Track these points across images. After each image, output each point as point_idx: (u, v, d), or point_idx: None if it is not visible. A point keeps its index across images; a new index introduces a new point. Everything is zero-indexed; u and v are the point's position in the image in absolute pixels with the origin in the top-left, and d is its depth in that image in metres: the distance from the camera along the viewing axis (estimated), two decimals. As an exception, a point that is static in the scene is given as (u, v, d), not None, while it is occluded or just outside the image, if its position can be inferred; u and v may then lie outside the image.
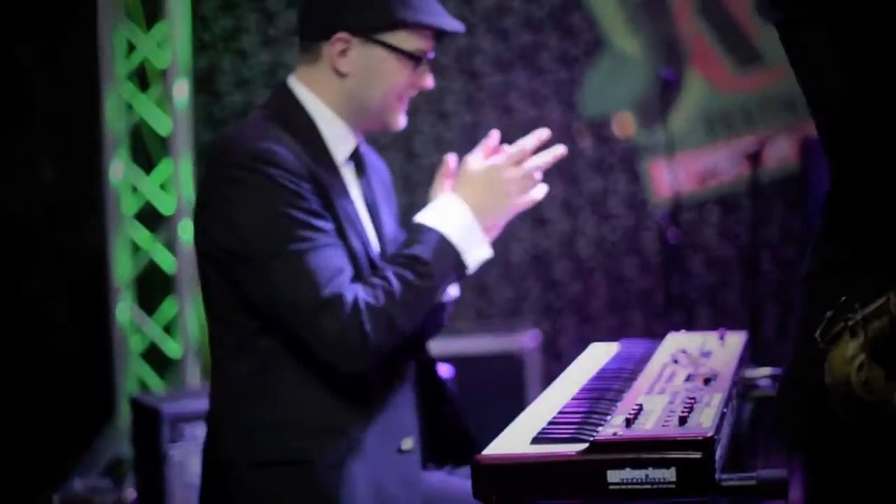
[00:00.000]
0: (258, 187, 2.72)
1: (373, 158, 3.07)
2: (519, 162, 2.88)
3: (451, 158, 2.98)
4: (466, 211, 2.82)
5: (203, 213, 2.84)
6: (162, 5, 5.68)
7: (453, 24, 2.88)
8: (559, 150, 2.94)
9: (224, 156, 2.83)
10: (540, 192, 2.93)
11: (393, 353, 2.78)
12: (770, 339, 6.54)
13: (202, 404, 4.29)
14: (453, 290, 2.97)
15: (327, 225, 2.74)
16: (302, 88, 2.87)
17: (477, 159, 2.88)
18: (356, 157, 2.93)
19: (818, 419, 2.10)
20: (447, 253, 2.79)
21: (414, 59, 2.83)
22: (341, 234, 2.78)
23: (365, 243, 2.84)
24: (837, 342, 2.01)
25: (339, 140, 2.87)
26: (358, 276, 2.77)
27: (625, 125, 6.83)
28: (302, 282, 2.68)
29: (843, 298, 2.01)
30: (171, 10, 5.64)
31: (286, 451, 2.78)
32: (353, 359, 2.70)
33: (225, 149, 2.86)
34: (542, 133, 2.92)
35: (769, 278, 6.67)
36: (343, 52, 2.83)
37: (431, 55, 2.89)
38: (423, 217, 2.82)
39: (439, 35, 2.89)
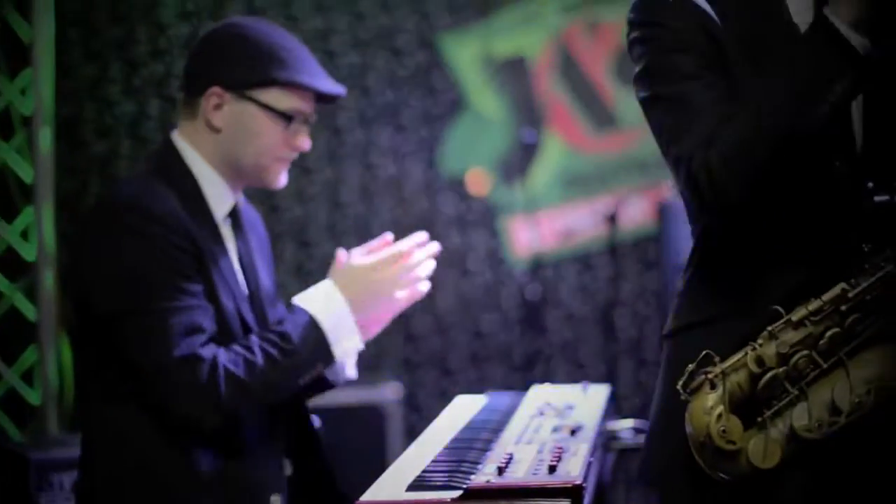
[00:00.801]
0: (131, 244, 2.74)
1: (251, 215, 3.11)
2: (399, 260, 2.93)
3: (341, 253, 3.01)
4: (342, 302, 2.85)
5: (76, 265, 2.86)
6: (27, 52, 5.65)
7: (331, 87, 2.91)
8: (435, 246, 2.98)
9: (103, 210, 2.87)
10: (422, 288, 2.97)
11: (252, 413, 2.81)
12: (626, 393, 6.67)
13: (68, 452, 4.27)
14: (351, 371, 3.02)
15: (195, 286, 2.76)
16: (183, 144, 2.90)
17: (360, 256, 2.93)
18: (234, 215, 2.97)
19: (681, 468, 2.21)
20: (316, 338, 2.82)
21: (285, 118, 2.86)
22: (213, 294, 2.80)
23: (238, 303, 2.87)
24: (698, 393, 2.13)
25: (219, 197, 2.90)
26: (228, 337, 2.80)
27: (479, 183, 6.93)
28: (159, 339, 2.70)
29: (705, 352, 2.14)
30: (36, 57, 5.61)
31: (155, 502, 2.80)
32: (203, 418, 2.73)
33: (105, 203, 2.90)
34: (421, 235, 2.96)
35: (625, 335, 6.80)
36: (217, 107, 2.86)
37: (311, 117, 2.92)
38: (300, 299, 2.86)
39: (322, 98, 2.93)
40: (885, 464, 2.22)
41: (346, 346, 2.86)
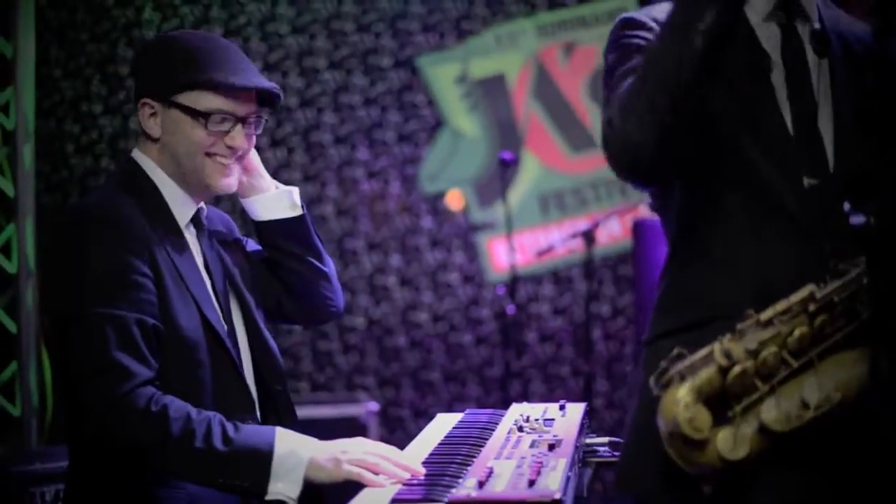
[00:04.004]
0: (87, 251, 2.78)
1: (214, 217, 3.15)
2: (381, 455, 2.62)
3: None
4: (306, 453, 2.65)
5: (42, 275, 2.90)
6: (8, 69, 5.68)
7: (246, 80, 2.94)
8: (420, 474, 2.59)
9: (64, 220, 2.91)
10: (374, 480, 2.58)
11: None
12: (601, 409, 6.73)
13: (49, 465, 4.30)
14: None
15: (146, 296, 2.77)
16: (142, 156, 2.97)
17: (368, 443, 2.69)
18: (197, 222, 3.01)
19: (657, 473, 2.27)
20: (260, 460, 2.64)
21: (204, 116, 2.91)
22: (167, 306, 2.80)
23: (202, 307, 2.88)
24: (669, 388, 2.18)
25: (180, 204, 2.95)
26: (188, 345, 2.80)
27: (457, 201, 6.98)
28: (95, 344, 2.69)
29: (677, 350, 2.20)
30: (18, 74, 5.64)
31: (137, 499, 2.81)
32: (112, 431, 2.67)
33: (67, 213, 2.95)
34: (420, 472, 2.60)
35: (600, 351, 6.85)
36: (152, 116, 2.93)
37: (244, 115, 2.94)
38: (281, 434, 2.69)
39: (266, 100, 2.99)
40: (853, 459, 2.29)
41: (281, 489, 2.65)
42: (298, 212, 3.22)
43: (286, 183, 3.29)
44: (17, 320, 5.59)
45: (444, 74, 7.03)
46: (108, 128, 6.79)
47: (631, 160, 2.34)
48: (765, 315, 2.22)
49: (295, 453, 2.62)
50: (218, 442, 2.63)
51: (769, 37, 2.46)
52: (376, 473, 2.58)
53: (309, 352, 6.83)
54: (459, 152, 7.01)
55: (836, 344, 2.24)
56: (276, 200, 3.22)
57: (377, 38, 6.96)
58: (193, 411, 2.67)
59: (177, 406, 2.66)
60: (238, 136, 2.95)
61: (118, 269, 2.76)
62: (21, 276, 5.60)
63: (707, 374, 2.19)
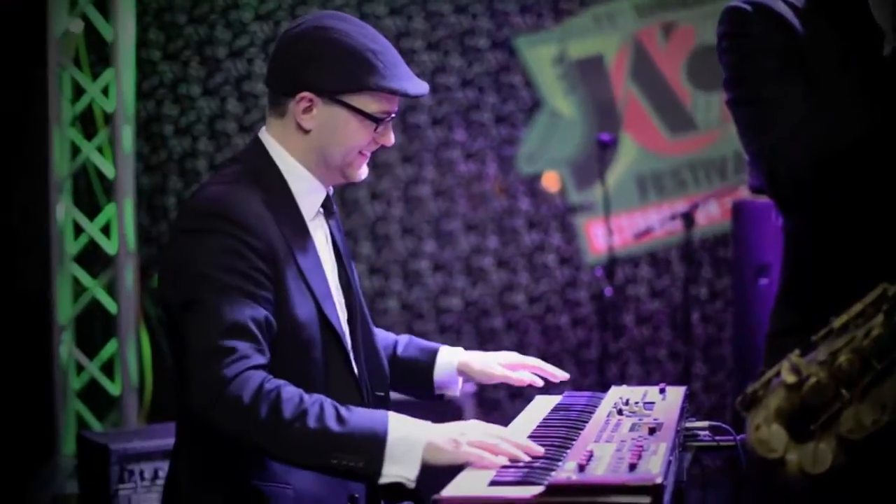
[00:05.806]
0: (204, 241, 2.78)
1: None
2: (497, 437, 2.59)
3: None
4: (423, 436, 2.59)
5: (160, 260, 2.91)
6: (109, 52, 5.75)
7: (418, 88, 2.92)
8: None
9: (187, 207, 2.91)
10: (494, 461, 2.54)
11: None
12: (699, 392, 6.69)
13: (147, 443, 4.35)
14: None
15: (260, 290, 2.75)
16: (272, 142, 2.94)
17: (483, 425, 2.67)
18: (327, 206, 3.00)
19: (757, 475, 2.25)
20: (374, 440, 2.59)
21: (375, 120, 2.89)
22: (286, 300, 2.79)
23: (320, 302, 2.87)
24: (751, 408, 2.15)
25: (309, 193, 2.93)
26: (304, 342, 2.80)
27: (553, 182, 6.95)
28: (204, 329, 2.68)
29: (760, 369, 2.17)
30: (118, 57, 5.71)
31: (243, 493, 2.82)
32: (212, 414, 2.65)
33: (190, 200, 2.94)
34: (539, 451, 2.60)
35: (697, 334, 6.80)
36: (307, 110, 2.89)
37: (394, 114, 2.95)
38: (394, 417, 2.65)
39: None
40: None
41: (396, 472, 2.59)
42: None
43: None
44: (116, 300, 5.68)
45: (542, 55, 7.00)
46: (206, 110, 6.84)
47: (805, 207, 2.40)
48: (839, 321, 2.17)
49: (411, 436, 2.58)
50: (332, 421, 2.59)
51: (881, 6, 2.40)
52: (495, 454, 2.53)
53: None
54: (557, 133, 6.98)
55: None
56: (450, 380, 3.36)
57: (474, 19, 6.94)
58: (304, 394, 2.64)
59: (289, 389, 2.64)
60: (390, 134, 2.96)
61: (237, 263, 2.75)
62: (120, 257, 5.69)
63: (781, 392, 2.15)
